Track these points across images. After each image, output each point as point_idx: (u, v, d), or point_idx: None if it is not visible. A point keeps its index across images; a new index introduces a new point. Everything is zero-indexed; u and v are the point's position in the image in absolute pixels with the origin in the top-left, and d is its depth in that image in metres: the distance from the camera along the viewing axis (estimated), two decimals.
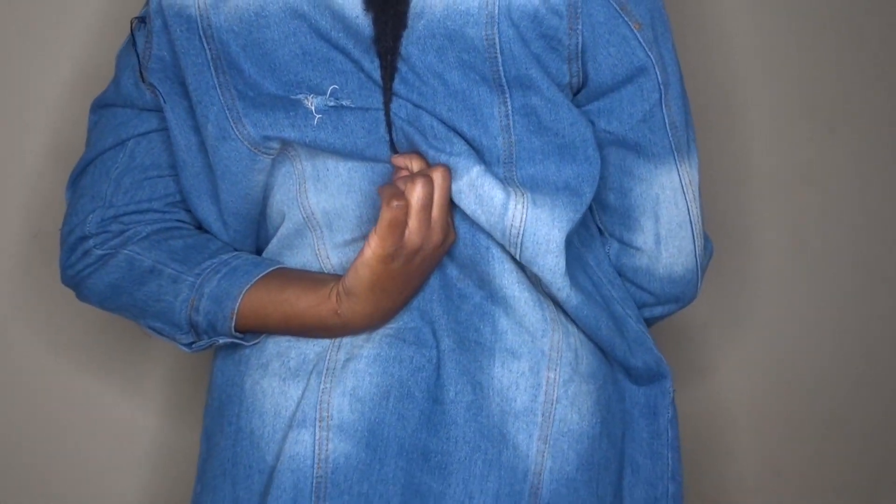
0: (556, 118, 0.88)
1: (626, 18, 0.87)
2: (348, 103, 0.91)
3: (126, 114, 1.02)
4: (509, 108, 0.88)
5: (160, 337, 1.01)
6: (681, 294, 0.96)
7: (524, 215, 0.88)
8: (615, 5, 0.87)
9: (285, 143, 0.94)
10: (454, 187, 0.89)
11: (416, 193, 0.87)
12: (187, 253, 1.00)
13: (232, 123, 0.93)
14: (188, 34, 0.93)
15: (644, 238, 0.94)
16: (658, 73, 0.88)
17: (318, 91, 0.91)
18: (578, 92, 0.91)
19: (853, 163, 1.24)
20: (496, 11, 0.86)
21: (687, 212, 0.92)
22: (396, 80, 0.89)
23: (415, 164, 0.90)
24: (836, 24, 1.21)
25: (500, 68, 0.87)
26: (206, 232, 1.03)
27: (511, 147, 0.89)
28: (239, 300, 0.96)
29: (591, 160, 0.89)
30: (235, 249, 1.02)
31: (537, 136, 0.89)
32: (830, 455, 1.26)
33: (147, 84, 0.97)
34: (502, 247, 0.91)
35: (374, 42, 0.88)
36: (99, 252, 1.00)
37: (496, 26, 0.86)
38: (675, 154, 0.90)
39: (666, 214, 0.92)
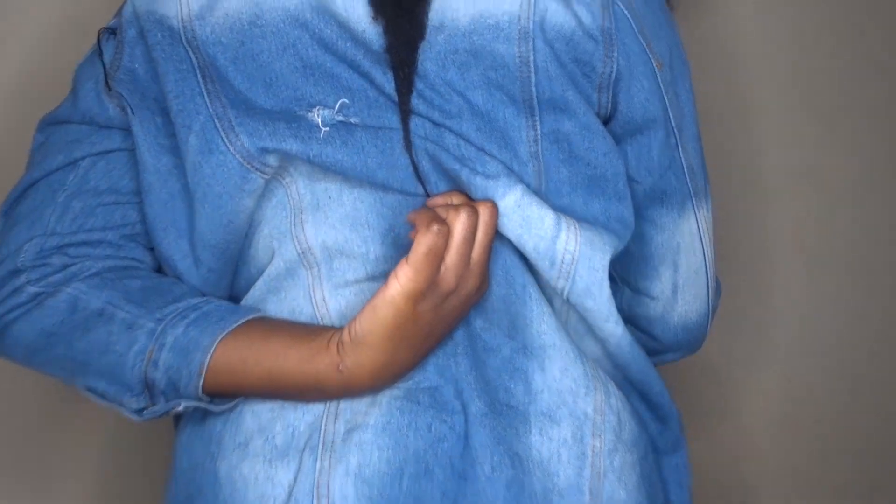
0: (589, 146, 0.81)
1: (650, 56, 0.83)
2: (356, 121, 0.79)
3: (82, 130, 0.86)
4: (538, 132, 0.80)
5: (102, 401, 0.82)
6: (693, 340, 0.91)
7: (577, 240, 0.78)
8: (642, 41, 0.83)
9: (283, 161, 0.80)
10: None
11: (461, 222, 0.74)
12: (147, 295, 0.82)
13: (222, 133, 0.79)
14: (170, 40, 0.81)
15: (661, 287, 0.88)
16: (672, 116, 0.84)
17: (318, 106, 0.80)
18: (605, 124, 0.84)
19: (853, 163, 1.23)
20: (530, 27, 0.79)
21: (703, 257, 0.88)
22: (413, 97, 0.80)
23: (455, 199, 0.78)
24: (837, 24, 1.21)
25: (533, 89, 0.80)
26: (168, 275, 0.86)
27: (540, 176, 0.81)
28: (211, 352, 0.78)
29: (621, 196, 0.82)
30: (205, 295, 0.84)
31: (566, 165, 0.81)
32: (830, 455, 1.23)
33: (113, 94, 0.84)
34: (539, 287, 0.81)
35: (385, 52, 0.79)
36: (33, 290, 0.82)
37: (531, 43, 0.79)
38: (693, 199, 0.86)
39: (685, 262, 0.87)
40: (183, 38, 0.81)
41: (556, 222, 0.79)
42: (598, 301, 0.80)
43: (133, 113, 0.82)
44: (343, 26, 0.80)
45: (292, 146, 0.78)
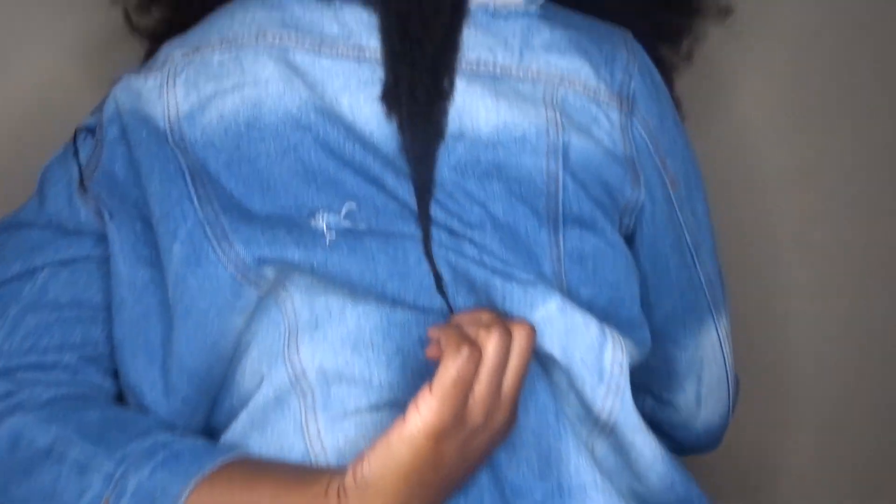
0: (612, 267, 0.76)
1: (665, 177, 0.81)
2: (364, 227, 0.72)
3: (45, 236, 0.77)
4: (561, 250, 0.74)
5: None
6: (715, 440, 0.92)
7: (623, 349, 0.73)
8: (658, 163, 0.80)
9: (281, 273, 0.71)
10: (536, 318, 0.71)
11: (494, 345, 0.63)
12: (106, 429, 0.70)
13: (213, 241, 0.70)
14: (156, 139, 0.74)
15: (685, 398, 0.87)
16: (688, 233, 0.82)
17: (325, 211, 0.72)
18: None
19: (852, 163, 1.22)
20: (559, 142, 0.75)
21: (724, 364, 0.87)
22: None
23: (485, 317, 0.67)
24: (837, 24, 1.20)
25: (561, 206, 0.74)
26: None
27: (565, 294, 0.74)
28: (183, 501, 0.65)
29: (638, 322, 0.77)
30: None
31: (587, 286, 0.75)
32: (831, 455, 1.23)
33: (89, 196, 0.76)
34: (573, 415, 0.73)
35: (400, 152, 0.73)
36: None
37: (560, 158, 0.75)
38: (713, 312, 0.85)
39: (707, 374, 0.87)
40: (170, 139, 0.74)
41: (600, 329, 0.72)
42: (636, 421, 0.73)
43: (111, 217, 0.74)
44: (349, 129, 0.73)
45: (295, 254, 0.69)
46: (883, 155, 1.22)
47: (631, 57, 0.79)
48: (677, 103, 0.88)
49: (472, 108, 0.74)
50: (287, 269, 0.70)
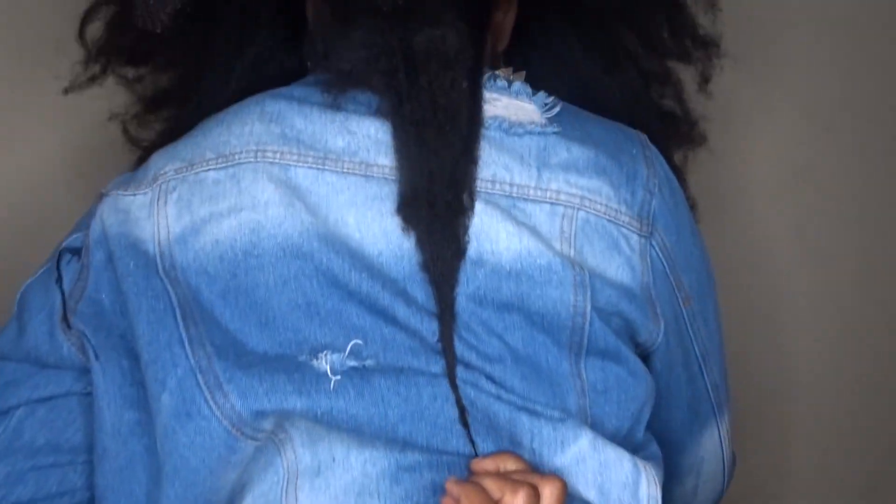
0: (634, 395, 0.72)
1: (679, 297, 0.77)
2: (372, 364, 0.66)
3: (22, 370, 0.72)
4: (585, 381, 0.70)
5: None
6: None
7: (657, 483, 0.69)
8: (673, 282, 0.76)
9: (281, 419, 0.65)
10: (568, 457, 0.67)
11: None
12: None
13: (206, 392, 0.65)
14: (144, 271, 0.68)
15: (682, 490, 0.85)
16: (697, 347, 0.79)
17: (329, 350, 0.67)
18: None
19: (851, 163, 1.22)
20: (586, 277, 0.70)
21: (722, 457, 0.86)
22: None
23: (510, 464, 0.63)
24: (837, 23, 1.18)
25: (586, 339, 0.70)
26: None
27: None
28: None
29: (647, 442, 0.74)
30: None
31: (611, 418, 0.71)
32: (831, 454, 1.23)
33: (72, 332, 0.70)
34: None
35: (421, 270, 0.68)
36: None
37: (588, 292, 0.70)
38: (717, 415, 0.83)
39: (706, 469, 0.85)
40: (160, 266, 0.68)
41: (633, 463, 0.68)
42: None
43: (96, 358, 0.69)
44: (355, 255, 0.68)
45: (296, 404, 0.64)
46: (884, 156, 1.21)
47: (651, 171, 0.74)
48: (692, 203, 0.84)
49: (492, 233, 0.69)
50: (287, 417, 0.64)
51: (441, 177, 0.69)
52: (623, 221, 0.72)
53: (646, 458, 0.72)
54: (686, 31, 0.85)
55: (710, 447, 0.83)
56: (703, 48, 0.85)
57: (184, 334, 0.66)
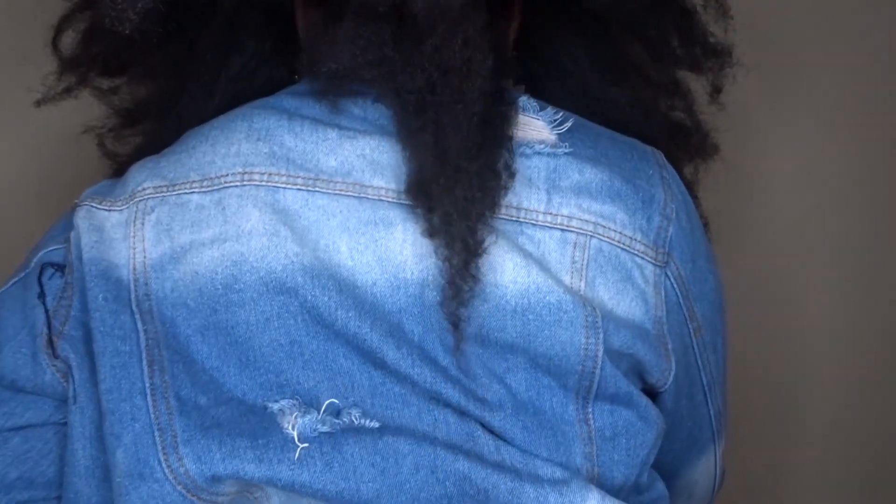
0: (643, 442, 0.67)
1: (690, 327, 0.71)
2: (356, 419, 0.61)
3: None
4: (592, 428, 0.65)
5: None
6: None
7: None
8: (685, 312, 0.71)
9: (245, 484, 0.61)
10: None
11: None
12: None
13: (161, 454, 0.61)
14: (114, 305, 0.63)
15: None
16: (704, 376, 0.75)
17: (309, 398, 0.61)
18: None
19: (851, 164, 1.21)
20: (599, 318, 0.64)
21: (714, 476, 0.82)
22: (435, 379, 0.62)
23: None
24: (837, 23, 1.17)
25: (596, 384, 0.65)
26: None
27: (595, 481, 0.65)
28: None
29: (660, 497, 0.70)
30: None
31: (619, 467, 0.66)
32: (830, 453, 1.23)
33: (57, 360, 0.65)
34: None
35: (444, 301, 0.62)
36: None
37: (600, 334, 0.64)
38: (716, 440, 0.79)
39: (699, 491, 0.81)
40: (133, 295, 0.63)
41: None
42: None
43: (75, 400, 0.63)
44: (344, 288, 0.62)
45: (254, 472, 0.60)
46: (886, 157, 1.20)
47: (668, 195, 0.68)
48: (705, 222, 0.79)
49: (496, 263, 0.63)
50: (249, 483, 0.60)
51: (458, 145, 0.62)
52: (638, 250, 0.66)
53: (652, 500, 0.67)
54: (696, 40, 0.78)
55: (705, 471, 0.80)
56: (714, 57, 0.79)
57: (147, 383, 0.61)
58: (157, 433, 0.60)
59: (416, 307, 0.61)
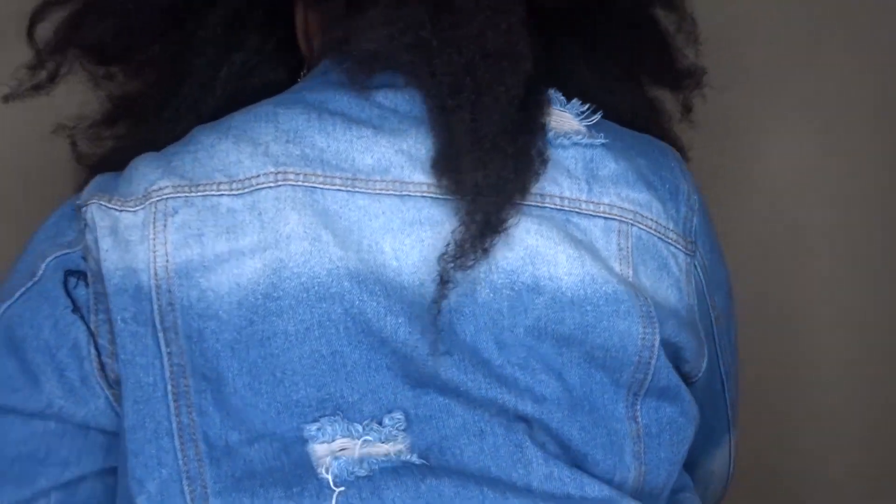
0: (684, 437, 0.66)
1: (712, 315, 0.72)
2: (397, 451, 0.57)
3: (47, 438, 0.59)
4: (640, 424, 0.64)
5: None
6: None
7: None
8: (708, 301, 0.72)
9: None
10: None
11: None
12: None
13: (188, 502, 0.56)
14: (134, 326, 0.57)
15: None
16: (722, 365, 0.75)
17: (352, 413, 0.58)
18: None
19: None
20: (651, 307, 0.63)
21: (728, 467, 0.82)
22: (486, 380, 0.60)
23: None
24: (837, 23, 1.18)
25: (650, 376, 0.63)
26: None
27: (641, 479, 0.64)
28: None
29: (688, 487, 0.70)
30: None
31: (664, 465, 0.65)
32: (829, 453, 1.22)
33: (116, 385, 0.59)
34: None
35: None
36: None
37: (656, 323, 0.63)
38: (731, 430, 0.80)
39: (714, 483, 0.82)
40: (155, 307, 0.57)
41: None
42: None
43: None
44: (391, 291, 0.59)
45: None
46: (885, 157, 1.21)
47: (690, 187, 0.70)
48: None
49: (549, 255, 0.61)
50: None
51: (497, 125, 0.60)
52: (671, 239, 0.67)
53: (685, 496, 0.68)
54: (669, 62, 0.80)
55: (721, 461, 0.80)
56: (687, 78, 0.81)
57: (174, 423, 0.56)
58: (185, 483, 0.55)
59: (469, 305, 0.59)
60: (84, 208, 0.59)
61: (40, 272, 0.59)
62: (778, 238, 1.20)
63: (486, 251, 0.59)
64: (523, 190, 0.61)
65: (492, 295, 0.59)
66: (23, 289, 0.60)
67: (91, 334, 0.58)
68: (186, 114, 0.69)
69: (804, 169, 1.20)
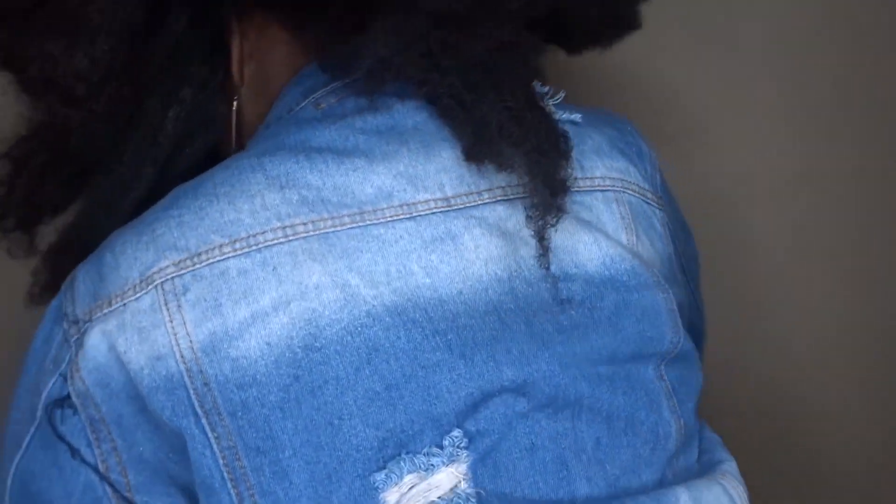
0: (696, 386, 0.68)
1: (682, 259, 0.75)
2: (461, 485, 0.56)
3: None
4: (667, 382, 0.65)
5: None
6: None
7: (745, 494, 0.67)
8: (678, 247, 0.74)
9: None
10: None
11: None
12: None
13: None
14: (172, 411, 0.54)
15: None
16: (699, 303, 0.80)
17: (414, 446, 0.56)
18: None
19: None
20: (655, 272, 0.67)
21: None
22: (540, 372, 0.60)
23: None
24: (836, 23, 1.21)
25: (680, 341, 0.66)
26: None
27: (682, 431, 0.65)
28: None
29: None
30: None
31: (691, 416, 0.67)
32: (823, 456, 1.24)
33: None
34: None
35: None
36: None
37: (668, 288, 0.66)
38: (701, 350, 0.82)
39: None
40: (191, 394, 0.54)
41: (724, 492, 0.65)
42: None
43: None
44: (432, 314, 0.58)
45: None
46: (884, 158, 1.23)
47: (648, 146, 0.72)
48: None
49: (568, 246, 0.63)
50: None
51: (525, 97, 0.60)
52: (650, 199, 0.69)
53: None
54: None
55: None
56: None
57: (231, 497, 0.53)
58: None
59: (511, 302, 0.59)
60: (86, 332, 0.55)
61: (39, 413, 0.56)
62: (778, 238, 1.22)
63: (560, 209, 0.59)
64: (567, 156, 0.61)
65: (529, 289, 0.60)
66: (28, 437, 0.56)
67: (100, 475, 0.55)
68: (142, 164, 0.64)
69: (803, 169, 1.21)
